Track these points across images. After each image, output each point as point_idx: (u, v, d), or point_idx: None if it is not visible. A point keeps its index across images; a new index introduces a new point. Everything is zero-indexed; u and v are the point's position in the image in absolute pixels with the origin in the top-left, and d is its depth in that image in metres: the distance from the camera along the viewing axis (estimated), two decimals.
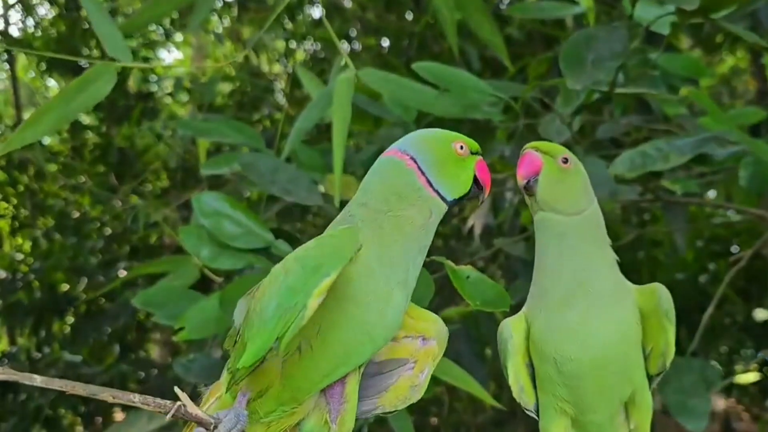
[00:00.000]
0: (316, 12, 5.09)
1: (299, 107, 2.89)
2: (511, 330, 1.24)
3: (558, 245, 1.20)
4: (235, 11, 5.19)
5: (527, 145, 1.24)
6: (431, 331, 1.23)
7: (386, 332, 1.11)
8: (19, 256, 5.12)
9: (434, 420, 4.75)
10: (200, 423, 1.00)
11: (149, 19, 2.03)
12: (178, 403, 0.98)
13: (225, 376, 1.14)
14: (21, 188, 5.02)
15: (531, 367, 1.26)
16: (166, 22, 4.77)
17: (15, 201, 5.15)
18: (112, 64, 1.65)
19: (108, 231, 4.90)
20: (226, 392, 1.10)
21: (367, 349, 1.11)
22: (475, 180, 1.18)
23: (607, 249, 1.23)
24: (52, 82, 5.81)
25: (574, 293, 1.18)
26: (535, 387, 1.27)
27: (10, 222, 5.16)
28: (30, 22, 5.18)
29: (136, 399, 0.94)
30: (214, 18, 5.25)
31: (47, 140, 5.73)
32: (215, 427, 0.99)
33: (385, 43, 4.88)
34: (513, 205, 2.79)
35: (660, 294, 1.21)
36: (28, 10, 5.00)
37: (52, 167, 5.03)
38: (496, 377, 3.15)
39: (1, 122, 5.41)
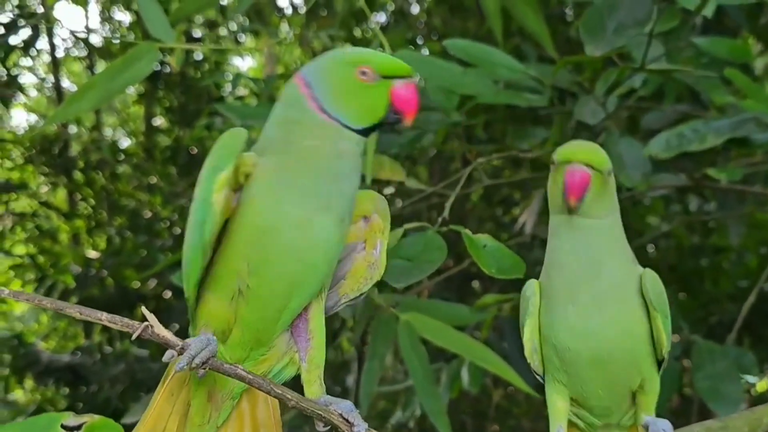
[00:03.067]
0: (383, 18, 5.15)
1: None
2: (534, 289, 1.23)
3: (575, 244, 1.17)
4: (303, 18, 5.29)
5: (573, 155, 1.17)
6: (369, 209, 1.21)
7: (322, 255, 1.09)
8: (93, 254, 5.32)
9: (495, 428, 4.71)
10: (167, 344, 1.00)
11: (198, 7, 2.10)
12: (145, 323, 0.99)
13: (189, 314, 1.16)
14: (97, 188, 5.23)
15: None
16: (234, 26, 4.90)
17: (93, 202, 5.37)
18: (154, 44, 1.72)
19: (177, 230, 5.04)
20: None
21: (310, 276, 1.10)
22: (394, 107, 1.10)
23: (623, 246, 1.21)
24: (131, 88, 6.02)
25: (578, 289, 1.17)
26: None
27: (86, 221, 5.39)
28: (107, 28, 5.40)
29: (103, 317, 0.96)
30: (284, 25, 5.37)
31: (124, 144, 5.98)
32: (182, 348, 1.00)
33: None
34: None
35: (645, 281, 1.19)
36: (107, 17, 5.21)
37: (127, 169, 5.23)
38: None
39: (82, 126, 5.65)
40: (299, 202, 1.06)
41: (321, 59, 1.14)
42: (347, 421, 1.08)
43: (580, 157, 1.15)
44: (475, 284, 4.32)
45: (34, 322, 6.53)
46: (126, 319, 0.98)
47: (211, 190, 1.01)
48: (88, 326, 5.38)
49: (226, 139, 1.06)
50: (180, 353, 1.01)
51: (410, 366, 1.98)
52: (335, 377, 4.60)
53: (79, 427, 0.73)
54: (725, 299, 3.64)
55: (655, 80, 2.26)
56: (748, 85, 1.75)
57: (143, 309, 1.01)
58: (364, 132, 1.10)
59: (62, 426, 0.74)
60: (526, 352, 1.25)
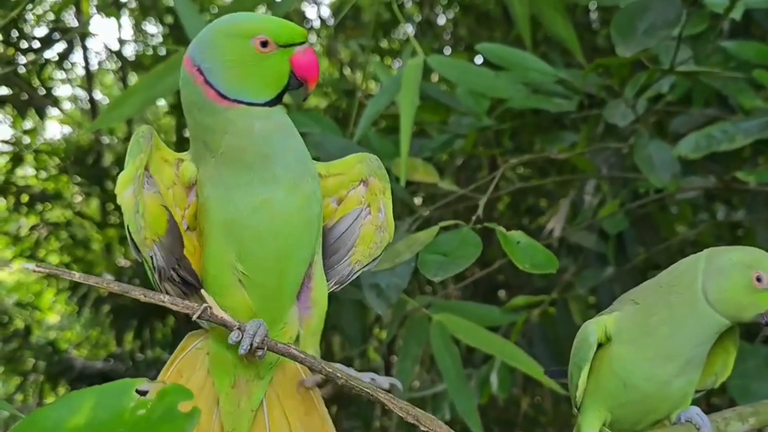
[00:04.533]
0: (410, 29, 5.21)
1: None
2: (597, 337, 1.21)
3: (690, 325, 1.14)
4: (332, 30, 5.37)
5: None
6: (363, 172, 1.20)
7: (291, 224, 1.09)
8: (125, 263, 5.41)
9: None
10: (225, 325, 1.03)
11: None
12: (204, 305, 1.02)
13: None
14: None
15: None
16: None
17: None
18: None
19: None
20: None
21: (292, 246, 1.10)
22: (295, 75, 1.07)
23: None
24: (162, 100, 6.13)
25: (670, 360, 1.15)
26: None
27: (118, 231, 5.48)
28: (140, 41, 5.50)
29: (165, 299, 1.00)
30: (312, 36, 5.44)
31: None
32: (240, 328, 1.03)
33: (478, 59, 4.96)
34: (592, 207, 2.78)
35: (732, 332, 1.21)
36: (139, 31, 5.32)
37: None
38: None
39: (114, 136, 5.75)
40: (245, 190, 1.06)
41: (207, 33, 1.07)
42: (386, 390, 1.07)
43: None
44: (502, 294, 4.34)
45: (66, 331, 6.64)
46: (186, 302, 1.02)
47: (116, 190, 1.03)
48: (119, 334, 5.47)
49: (131, 140, 1.07)
50: (240, 330, 1.05)
51: (442, 366, 2.01)
52: None
53: (152, 392, 0.78)
54: None
55: (683, 84, 2.29)
56: None
57: (203, 292, 1.06)
58: (271, 102, 1.06)
59: (137, 390, 0.78)
60: (576, 393, 1.23)
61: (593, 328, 1.21)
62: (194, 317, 1.01)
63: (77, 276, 0.95)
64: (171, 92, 1.80)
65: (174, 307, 1.00)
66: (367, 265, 1.22)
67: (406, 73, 1.83)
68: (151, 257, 1.09)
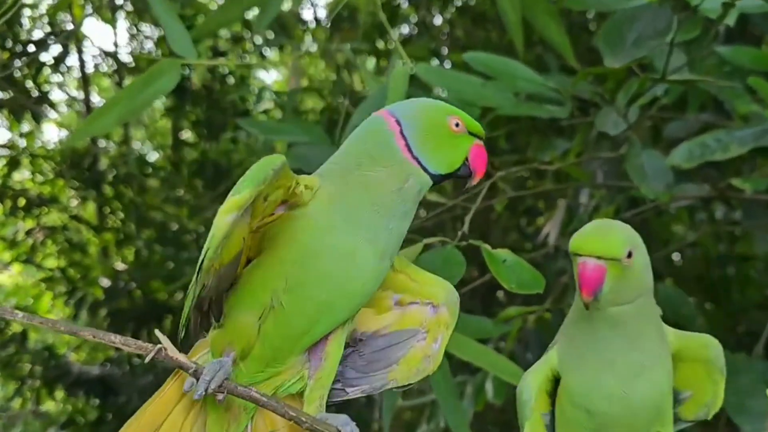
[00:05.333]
0: (406, 29, 5.17)
1: None
2: (532, 392, 1.21)
3: (611, 332, 1.13)
4: (327, 32, 5.33)
5: (581, 247, 1.09)
6: (440, 297, 1.21)
7: (356, 288, 1.10)
8: (122, 266, 5.39)
9: None
10: (180, 367, 1.01)
11: (220, 24, 2.13)
12: (159, 346, 1.00)
13: (210, 333, 1.16)
14: (126, 201, 5.30)
15: (548, 414, 1.24)
16: (259, 40, 4.95)
17: (122, 215, 5.45)
18: (177, 60, 1.74)
19: (204, 242, 5.09)
20: (181, 330, 1.11)
21: (341, 306, 1.10)
22: (468, 162, 1.14)
23: (655, 315, 1.17)
24: (158, 103, 6.10)
25: (614, 365, 1.14)
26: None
27: (115, 234, 5.46)
28: (135, 43, 5.48)
29: (116, 340, 0.97)
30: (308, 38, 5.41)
31: (152, 158, 6.05)
32: (195, 371, 1.01)
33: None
34: (588, 212, 2.75)
35: (715, 351, 1.20)
36: (135, 34, 5.29)
37: (155, 182, 5.29)
38: None
39: (110, 140, 5.73)
40: (350, 231, 1.07)
41: (411, 102, 1.17)
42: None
43: (590, 249, 1.08)
44: (500, 294, 4.31)
45: (65, 334, 6.61)
46: (139, 342, 0.99)
47: (221, 210, 1.00)
48: None
49: (257, 165, 1.05)
50: (194, 375, 1.02)
51: (433, 380, 1.98)
52: None
53: None
54: (753, 309, 3.60)
55: (677, 89, 2.25)
56: None
57: (157, 332, 1.03)
58: (435, 179, 1.13)
59: None
60: None
61: (526, 383, 1.21)
62: (147, 359, 0.98)
63: (20, 315, 0.92)
64: (157, 98, 1.77)
65: (126, 348, 0.97)
66: (401, 386, 1.21)
67: (392, 82, 1.79)
68: (204, 285, 1.05)
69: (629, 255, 1.07)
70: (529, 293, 1.36)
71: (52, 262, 5.56)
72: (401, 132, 1.11)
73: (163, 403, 1.13)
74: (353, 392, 1.20)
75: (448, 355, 1.98)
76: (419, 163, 1.11)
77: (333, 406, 1.18)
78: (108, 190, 5.33)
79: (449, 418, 1.96)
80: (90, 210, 5.81)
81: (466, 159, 1.14)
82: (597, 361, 1.15)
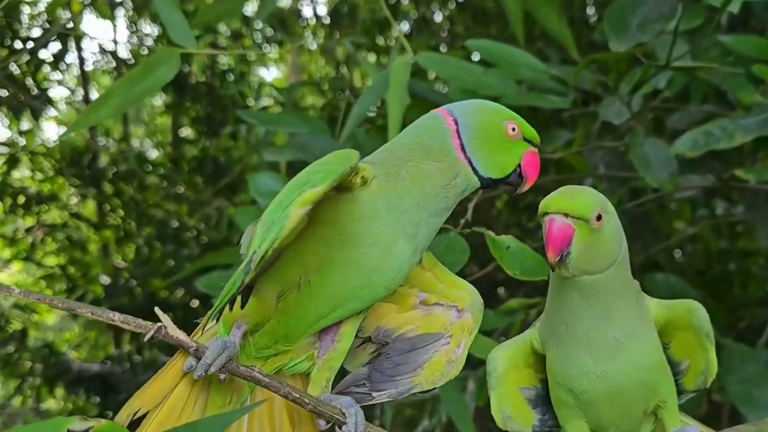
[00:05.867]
0: (406, 26, 5.16)
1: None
2: (497, 362, 1.21)
3: (584, 304, 1.10)
4: (327, 28, 5.32)
5: (550, 205, 1.05)
6: (465, 302, 1.20)
7: (386, 280, 1.09)
8: (122, 264, 5.38)
9: None
10: (181, 346, 1.00)
11: (219, 15, 2.11)
12: (159, 324, 0.98)
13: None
14: (126, 199, 5.29)
15: (529, 389, 1.24)
16: (259, 36, 4.94)
17: (122, 212, 5.44)
18: (176, 49, 1.73)
19: (204, 239, 5.08)
20: (212, 316, 1.10)
21: (366, 294, 1.09)
22: (520, 169, 1.13)
23: (631, 288, 1.14)
24: (158, 100, 6.10)
25: (589, 338, 1.12)
26: (531, 407, 1.24)
27: (115, 232, 5.45)
28: (134, 40, 5.47)
29: (115, 318, 0.95)
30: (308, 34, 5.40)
31: (152, 155, 6.04)
32: (196, 350, 0.99)
33: (476, 57, 4.90)
34: None
35: (698, 315, 1.16)
36: (134, 31, 5.28)
37: (155, 179, 5.28)
38: None
39: (110, 137, 5.72)
40: (392, 222, 1.07)
41: (470, 102, 1.16)
42: (343, 413, 1.07)
43: (558, 207, 1.04)
44: (501, 291, 4.30)
45: (65, 332, 6.61)
46: (139, 320, 0.97)
47: (294, 201, 0.97)
48: (117, 335, 5.45)
49: (334, 156, 1.04)
50: (194, 354, 1.01)
51: None
52: None
53: (86, 431, 0.72)
54: (754, 304, 3.58)
55: (680, 80, 2.23)
56: None
57: (157, 310, 1.01)
58: (484, 183, 1.12)
59: (69, 430, 0.72)
60: (499, 423, 1.21)
61: (493, 355, 1.21)
62: (146, 338, 0.96)
63: (17, 291, 0.90)
64: (157, 88, 1.74)
65: (125, 326, 0.96)
66: (425, 390, 1.20)
67: (394, 71, 1.78)
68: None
69: (599, 218, 1.04)
70: (533, 280, 1.34)
71: (52, 260, 5.55)
72: (457, 131, 1.11)
73: (171, 376, 1.11)
74: (379, 396, 1.19)
75: None
76: (471, 164, 1.10)
77: None
78: (108, 187, 5.32)
79: (452, 412, 1.95)
80: (90, 207, 5.80)
81: (519, 165, 1.13)
82: (571, 336, 1.12)
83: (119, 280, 5.12)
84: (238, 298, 1.09)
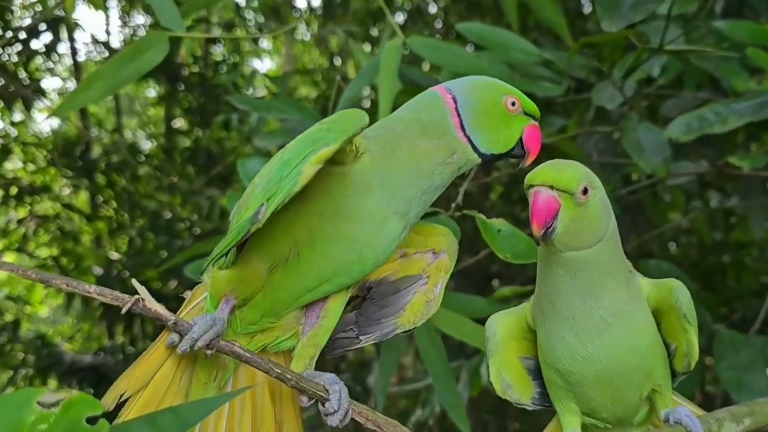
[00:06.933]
0: (400, 17, 5.13)
1: None
2: (495, 328, 1.20)
3: (570, 281, 1.08)
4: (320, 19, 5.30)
5: (535, 177, 1.03)
6: (441, 244, 1.22)
7: (376, 255, 1.09)
8: (115, 255, 5.36)
9: (516, 426, 4.68)
10: (158, 319, 0.99)
11: (211, 1, 2.09)
12: (136, 297, 0.96)
13: (212, 277, 1.12)
14: (119, 190, 5.26)
15: (529, 359, 1.22)
16: (253, 25, 4.91)
17: (114, 204, 5.41)
18: (164, 33, 1.71)
19: (197, 230, 5.06)
20: (211, 262, 1.08)
21: (355, 269, 1.09)
22: (522, 143, 1.13)
23: (617, 268, 1.11)
24: (152, 92, 6.08)
25: (575, 318, 1.10)
26: (530, 378, 1.22)
27: (108, 223, 5.43)
28: (127, 30, 5.44)
29: (91, 290, 0.94)
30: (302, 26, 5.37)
31: (145, 146, 6.02)
32: (175, 323, 0.98)
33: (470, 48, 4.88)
34: None
35: (677, 294, 1.12)
36: (126, 21, 5.25)
37: (147, 170, 5.26)
38: None
39: (103, 128, 5.69)
40: (385, 198, 1.06)
41: (469, 79, 1.16)
42: (326, 390, 1.06)
43: (543, 179, 1.02)
44: (495, 284, 4.30)
45: (58, 324, 6.59)
46: (116, 292, 0.96)
47: (306, 159, 0.96)
48: (111, 327, 5.42)
49: (345, 116, 1.03)
50: (173, 328, 0.99)
51: (427, 359, 1.96)
52: (356, 377, 4.59)
53: (57, 403, 0.70)
54: (748, 295, 3.59)
55: (674, 67, 2.22)
56: None
57: (134, 282, 0.99)
58: (485, 158, 1.12)
59: (38, 402, 0.71)
60: (498, 391, 1.21)
61: (491, 321, 1.20)
62: (123, 310, 0.95)
63: None
64: (145, 71, 1.72)
65: (101, 298, 0.94)
66: (407, 330, 1.21)
67: (384, 55, 1.77)
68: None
69: (585, 192, 1.03)
70: (524, 263, 1.33)
71: (44, 251, 5.52)
72: (456, 109, 1.10)
73: (156, 356, 1.11)
74: (366, 339, 1.21)
75: (443, 338, 1.97)
76: (471, 142, 1.10)
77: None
78: (100, 178, 5.29)
79: (444, 400, 1.94)
80: (82, 199, 5.77)
81: (520, 139, 1.13)
82: (557, 314, 1.11)
83: (112, 272, 5.09)
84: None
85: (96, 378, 4.93)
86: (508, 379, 1.20)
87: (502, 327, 1.20)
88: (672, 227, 3.48)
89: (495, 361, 1.20)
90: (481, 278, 4.29)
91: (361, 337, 1.21)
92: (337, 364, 4.60)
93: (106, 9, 5.33)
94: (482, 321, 2.16)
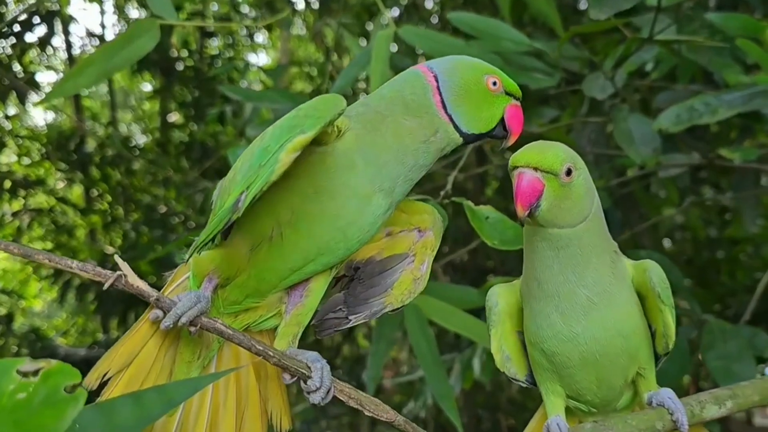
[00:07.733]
0: (396, 12, 5.12)
1: None
2: (497, 298, 1.20)
3: (554, 257, 1.08)
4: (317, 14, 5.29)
5: (519, 159, 1.04)
6: (427, 222, 1.21)
7: (360, 233, 1.08)
8: (110, 249, 5.35)
9: (511, 421, 4.69)
10: (141, 295, 0.98)
11: None
12: (118, 273, 0.96)
13: (194, 256, 1.12)
14: (113, 183, 5.25)
15: (522, 334, 1.21)
16: (248, 18, 4.91)
17: (109, 198, 5.41)
18: (155, 20, 1.70)
19: (192, 224, 5.05)
20: (193, 252, 1.07)
21: (340, 248, 1.09)
22: (504, 123, 1.12)
23: (602, 248, 1.11)
24: (147, 86, 6.07)
25: (560, 298, 1.10)
26: (524, 354, 1.21)
27: (102, 217, 5.42)
28: (122, 24, 5.43)
29: (73, 265, 0.93)
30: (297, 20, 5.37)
31: (141, 140, 6.01)
32: (157, 299, 0.97)
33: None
34: None
35: (651, 275, 1.12)
36: (121, 13, 5.24)
37: (142, 164, 5.25)
38: None
39: (97, 122, 5.68)
40: (369, 176, 1.06)
41: (450, 59, 1.15)
42: (309, 368, 1.06)
43: (527, 160, 1.03)
44: (491, 279, 4.30)
45: (53, 319, 6.58)
46: (98, 268, 0.95)
47: (282, 147, 0.96)
48: (105, 321, 5.42)
49: (323, 101, 1.02)
50: (156, 304, 0.99)
51: (418, 350, 1.95)
52: (351, 372, 4.59)
53: (36, 372, 0.70)
54: (742, 291, 3.60)
55: (668, 61, 2.22)
56: (761, 56, 1.69)
57: (116, 258, 0.98)
58: (467, 138, 1.11)
59: (18, 371, 0.70)
60: (498, 364, 1.21)
61: (492, 292, 1.20)
62: (105, 286, 0.94)
63: None
64: (136, 59, 1.71)
65: (83, 274, 0.93)
66: (395, 309, 1.21)
67: (376, 44, 1.76)
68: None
69: (569, 173, 1.03)
70: (511, 249, 1.33)
71: (38, 245, 5.51)
72: (438, 88, 1.10)
73: (140, 335, 1.10)
74: (356, 319, 1.21)
75: (438, 334, 1.97)
76: (452, 121, 1.09)
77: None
78: (95, 172, 5.28)
79: (435, 391, 1.94)
80: (77, 192, 5.77)
81: (502, 119, 1.12)
82: (542, 292, 1.10)
83: (106, 265, 5.07)
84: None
85: (89, 371, 4.92)
86: (507, 351, 1.20)
87: (503, 298, 1.20)
88: (666, 223, 3.49)
89: (497, 332, 1.20)
90: (477, 273, 4.30)
91: (350, 317, 1.20)
92: (331, 359, 4.60)
93: (100, 2, 5.32)
94: (474, 312, 2.18)
